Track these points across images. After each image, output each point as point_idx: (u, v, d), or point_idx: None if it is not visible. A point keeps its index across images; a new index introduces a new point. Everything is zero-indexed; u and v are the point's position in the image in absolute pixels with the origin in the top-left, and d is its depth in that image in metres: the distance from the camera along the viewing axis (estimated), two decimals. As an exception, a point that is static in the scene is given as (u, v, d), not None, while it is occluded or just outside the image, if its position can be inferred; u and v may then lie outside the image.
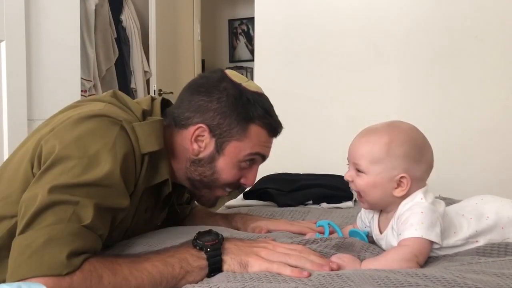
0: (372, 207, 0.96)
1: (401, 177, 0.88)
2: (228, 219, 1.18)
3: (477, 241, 0.90)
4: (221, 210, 1.47)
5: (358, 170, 0.91)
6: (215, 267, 0.77)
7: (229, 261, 0.78)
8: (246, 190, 1.61)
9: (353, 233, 1.00)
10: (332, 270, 0.77)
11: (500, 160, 1.98)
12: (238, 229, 1.14)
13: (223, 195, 1.01)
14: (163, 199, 0.99)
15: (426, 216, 0.85)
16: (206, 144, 0.94)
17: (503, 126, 1.99)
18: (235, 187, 1.00)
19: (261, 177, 1.77)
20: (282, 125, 1.02)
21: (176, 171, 0.98)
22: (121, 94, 0.95)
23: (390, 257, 0.83)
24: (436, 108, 2.09)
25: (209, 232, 0.82)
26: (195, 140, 0.94)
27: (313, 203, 1.50)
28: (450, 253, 0.89)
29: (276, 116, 1.02)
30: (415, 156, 0.90)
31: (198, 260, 0.77)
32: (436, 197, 0.94)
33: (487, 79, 2.01)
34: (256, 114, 0.95)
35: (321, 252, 0.86)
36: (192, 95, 0.97)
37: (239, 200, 1.58)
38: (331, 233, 1.03)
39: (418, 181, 0.90)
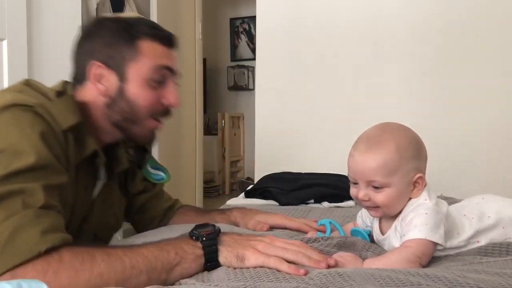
0: (389, 215, 0.92)
1: (418, 177, 0.88)
2: (226, 214, 1.19)
3: (478, 241, 0.90)
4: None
5: (375, 187, 0.87)
6: (211, 257, 0.78)
7: (226, 253, 0.78)
8: (247, 189, 1.61)
9: (355, 232, 1.00)
10: (329, 266, 0.77)
11: (502, 160, 1.98)
12: (237, 224, 1.14)
13: (157, 126, 1.01)
14: (111, 177, 1.01)
15: (430, 217, 0.85)
16: (108, 79, 0.94)
17: (504, 125, 1.99)
18: (162, 112, 0.99)
19: (262, 176, 1.77)
20: (174, 35, 1.00)
21: (101, 131, 0.98)
22: (34, 81, 0.94)
23: (392, 257, 0.83)
24: (437, 108, 2.09)
25: (206, 224, 0.84)
26: (97, 81, 0.94)
27: (315, 202, 1.50)
28: (452, 253, 0.89)
29: (164, 29, 1.00)
30: (419, 153, 0.90)
31: (193, 248, 0.78)
32: (438, 197, 0.94)
33: (489, 78, 2.01)
34: (141, 30, 0.95)
35: (322, 251, 0.86)
36: (77, 51, 0.98)
37: (240, 198, 1.59)
38: (332, 231, 1.03)
39: (424, 177, 0.91)
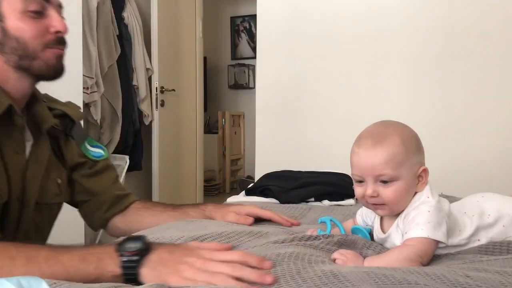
0: (395, 213, 0.91)
1: (422, 170, 0.89)
2: (200, 208, 1.17)
3: (479, 240, 0.90)
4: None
5: (383, 182, 0.87)
6: (130, 278, 0.73)
7: (149, 277, 0.72)
8: (248, 187, 1.61)
9: (355, 230, 1.00)
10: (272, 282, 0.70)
11: (501, 158, 1.98)
12: (212, 218, 1.13)
13: (58, 53, 1.02)
14: (38, 136, 1.01)
15: (432, 215, 0.84)
16: None
17: (504, 123, 1.98)
18: (54, 41, 1.00)
19: (263, 174, 1.77)
20: None
21: (8, 83, 0.98)
22: None
23: (393, 256, 0.83)
24: (438, 106, 2.09)
25: (138, 239, 0.77)
26: None
27: (315, 201, 1.50)
28: (453, 252, 0.89)
29: None
30: (420, 147, 0.91)
31: (114, 266, 0.74)
32: (439, 195, 0.94)
33: (488, 77, 2.01)
34: None
35: (322, 249, 0.85)
36: None
37: (240, 196, 1.59)
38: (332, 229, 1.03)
39: None
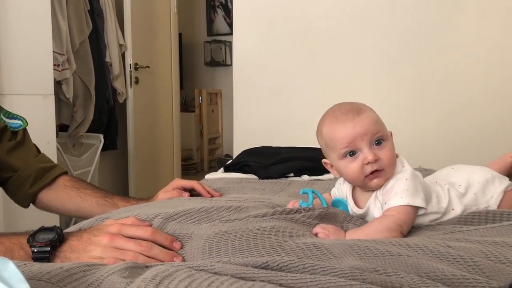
0: (388, 178, 0.89)
1: (391, 134, 0.92)
2: (131, 202, 1.14)
3: (453, 209, 0.91)
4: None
5: (378, 144, 0.87)
6: None
7: None
8: (227, 163, 1.59)
9: (336, 202, 0.99)
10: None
11: (473, 132, 2.01)
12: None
13: None
14: None
15: (410, 182, 0.85)
16: None
17: (477, 98, 2.01)
18: None
19: (242, 150, 1.75)
20: None
21: None
22: None
23: (373, 227, 0.83)
24: (412, 80, 2.09)
25: (51, 229, 0.76)
26: None
27: (294, 176, 1.49)
28: (433, 223, 0.89)
29: None
30: None
31: (25, 257, 0.73)
32: (416, 169, 0.94)
33: (463, 52, 2.01)
34: None
35: (304, 223, 0.85)
36: None
37: (219, 173, 1.57)
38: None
39: None
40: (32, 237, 0.74)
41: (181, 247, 0.75)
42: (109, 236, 0.74)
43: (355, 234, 0.82)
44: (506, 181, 0.97)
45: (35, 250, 0.72)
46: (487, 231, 0.79)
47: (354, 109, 0.89)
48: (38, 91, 2.16)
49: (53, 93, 2.25)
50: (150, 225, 0.80)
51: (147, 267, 0.64)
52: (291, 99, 2.31)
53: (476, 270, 0.63)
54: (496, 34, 1.97)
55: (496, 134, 1.98)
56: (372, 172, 0.87)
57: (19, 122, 1.18)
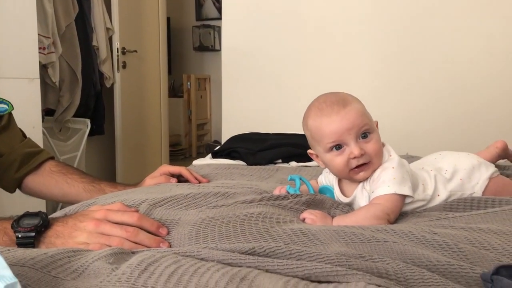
0: (375, 169, 0.89)
1: (376, 124, 0.91)
2: (118, 188, 1.13)
3: (438, 195, 0.91)
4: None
5: (364, 137, 0.86)
6: None
7: None
8: (215, 149, 1.58)
9: (323, 189, 1.00)
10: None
11: (461, 119, 2.02)
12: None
13: None
14: None
15: (397, 171, 0.86)
16: None
17: (467, 88, 2.02)
18: None
19: (230, 136, 1.75)
20: None
21: None
22: None
23: (361, 214, 0.83)
24: (400, 67, 2.09)
25: (36, 215, 0.75)
26: None
27: (282, 162, 1.49)
28: (418, 210, 0.90)
29: None
30: None
31: (9, 242, 0.72)
32: (403, 156, 0.94)
33: (452, 37, 2.02)
34: None
35: (291, 209, 0.85)
36: None
37: (207, 159, 1.56)
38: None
39: None
40: (16, 222, 0.73)
41: (168, 233, 0.75)
42: (94, 221, 0.73)
43: (342, 221, 0.82)
44: (492, 167, 0.98)
45: (19, 236, 0.71)
46: (472, 217, 0.80)
47: (340, 101, 0.87)
48: (23, 75, 2.12)
49: (38, 76, 2.21)
50: (137, 211, 0.80)
51: (133, 253, 0.64)
52: (281, 85, 2.30)
53: (461, 256, 0.64)
54: (484, 21, 1.98)
55: (482, 122, 2.00)
56: (358, 166, 0.87)
57: (5, 106, 1.16)
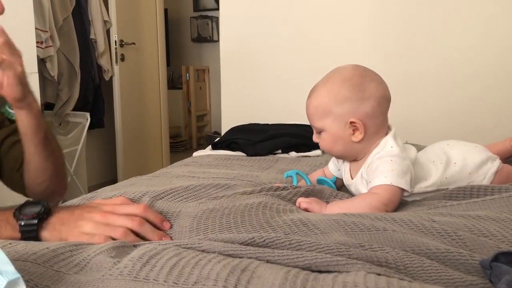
0: (343, 158, 0.97)
1: (351, 122, 0.87)
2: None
3: (447, 189, 0.91)
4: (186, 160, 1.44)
5: (318, 132, 0.93)
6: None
7: (49, 238, 0.72)
8: (215, 141, 1.58)
9: (321, 181, 1.00)
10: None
11: (463, 104, 2.02)
12: None
13: None
14: None
15: (395, 163, 0.85)
16: None
17: (468, 74, 2.01)
18: None
19: (230, 127, 1.75)
20: None
21: None
22: None
23: (356, 202, 0.84)
24: (403, 56, 2.09)
25: (37, 203, 0.75)
26: None
27: (282, 153, 1.50)
28: (418, 199, 0.90)
29: None
30: (357, 95, 0.87)
31: (12, 230, 0.72)
32: (404, 144, 0.94)
33: (455, 25, 2.01)
34: None
35: (290, 200, 0.85)
36: None
37: (207, 150, 1.56)
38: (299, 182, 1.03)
39: (375, 119, 0.88)
40: (18, 210, 0.73)
41: (170, 228, 0.75)
42: (102, 213, 0.74)
43: (336, 206, 0.83)
44: (497, 161, 0.97)
45: (22, 224, 0.71)
46: (470, 205, 0.80)
47: (312, 91, 0.94)
48: (21, 69, 2.12)
49: (37, 71, 2.21)
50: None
51: (135, 246, 0.64)
52: (279, 75, 2.29)
53: (460, 244, 0.64)
54: (484, 5, 1.97)
55: (482, 111, 2.00)
56: None
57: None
